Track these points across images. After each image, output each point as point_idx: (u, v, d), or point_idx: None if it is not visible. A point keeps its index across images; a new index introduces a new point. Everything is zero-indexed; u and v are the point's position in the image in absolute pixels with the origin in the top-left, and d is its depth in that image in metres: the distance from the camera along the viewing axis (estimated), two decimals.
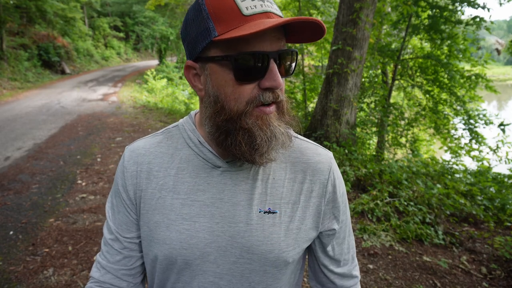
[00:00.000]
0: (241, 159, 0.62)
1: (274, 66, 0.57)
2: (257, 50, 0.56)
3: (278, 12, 0.58)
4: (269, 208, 0.66)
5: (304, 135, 0.76)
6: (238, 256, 0.66)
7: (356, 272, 0.82)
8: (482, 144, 5.88)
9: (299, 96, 8.00)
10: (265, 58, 0.56)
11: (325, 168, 0.71)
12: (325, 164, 0.71)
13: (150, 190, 0.69)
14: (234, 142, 0.60)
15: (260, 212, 0.66)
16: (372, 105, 7.10)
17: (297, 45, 7.58)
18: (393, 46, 7.16)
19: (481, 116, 6.27)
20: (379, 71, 8.00)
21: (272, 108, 0.59)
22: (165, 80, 16.26)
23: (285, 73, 0.61)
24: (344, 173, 4.48)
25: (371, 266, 2.68)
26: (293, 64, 0.62)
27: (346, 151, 4.94)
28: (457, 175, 4.73)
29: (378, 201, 3.55)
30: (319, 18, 8.95)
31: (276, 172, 0.69)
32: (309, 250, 0.80)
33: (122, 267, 0.75)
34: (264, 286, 0.69)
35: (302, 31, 0.59)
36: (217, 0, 0.56)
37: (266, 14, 0.55)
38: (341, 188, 0.75)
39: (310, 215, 0.69)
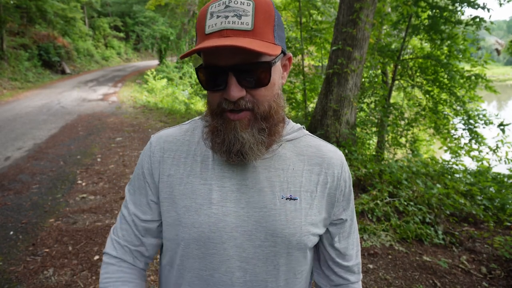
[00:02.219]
0: (226, 159, 0.69)
1: (231, 79, 0.61)
2: (212, 64, 0.63)
3: (238, 25, 0.59)
4: (290, 195, 0.71)
5: None
6: (263, 239, 0.70)
7: (359, 269, 0.85)
8: (482, 144, 5.88)
9: (299, 96, 8.01)
10: (220, 71, 0.62)
11: (338, 163, 0.77)
12: (338, 159, 0.78)
13: (179, 176, 0.74)
14: (214, 140, 0.68)
15: (282, 198, 0.71)
16: (372, 105, 7.10)
17: (297, 44, 7.59)
18: (393, 46, 7.16)
19: (481, 116, 6.26)
20: (379, 71, 8.00)
21: (241, 114, 0.64)
22: (165, 80, 16.26)
23: (254, 84, 0.63)
24: None
25: (371, 266, 2.69)
26: (262, 76, 0.63)
27: (346, 151, 4.94)
28: (457, 175, 4.73)
29: (378, 201, 3.55)
30: (319, 18, 8.96)
31: (295, 164, 0.74)
32: (317, 243, 0.83)
33: (134, 247, 0.79)
34: (288, 269, 0.73)
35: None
36: (198, 19, 0.65)
37: (220, 32, 0.60)
38: (350, 183, 0.81)
39: (325, 204, 0.75)
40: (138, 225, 0.78)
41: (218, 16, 0.60)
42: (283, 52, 0.68)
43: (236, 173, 0.71)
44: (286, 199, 0.71)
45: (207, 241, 0.69)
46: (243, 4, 0.60)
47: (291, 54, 0.74)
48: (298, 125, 0.81)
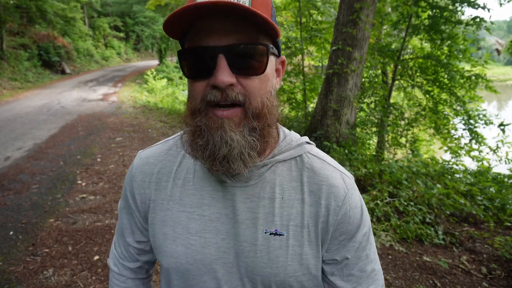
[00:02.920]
0: (209, 167, 0.58)
1: (221, 62, 0.52)
2: (200, 45, 0.53)
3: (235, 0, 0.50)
4: (276, 230, 0.62)
5: (304, 135, 0.70)
6: (244, 275, 0.64)
7: None
8: (482, 144, 5.88)
9: (299, 96, 8.00)
10: (210, 52, 0.52)
11: (340, 193, 0.63)
12: (341, 188, 0.64)
13: (160, 201, 0.68)
14: (195, 143, 0.57)
15: (266, 233, 0.62)
16: (372, 105, 7.10)
17: (297, 44, 7.59)
18: (393, 46, 7.16)
19: (481, 116, 6.26)
20: (379, 71, 8.00)
21: (231, 111, 0.54)
22: (165, 80, 16.27)
23: (247, 71, 0.54)
24: None
25: None
26: (259, 61, 0.54)
27: (346, 151, 4.94)
28: (457, 175, 4.73)
29: (378, 201, 3.55)
30: (319, 18, 8.95)
31: (285, 192, 0.64)
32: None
33: (133, 265, 0.81)
34: None
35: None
36: None
37: (214, 2, 0.47)
38: (359, 218, 0.65)
39: (317, 241, 0.64)
40: (131, 246, 0.77)
41: None
42: (277, 48, 0.61)
43: (216, 200, 0.64)
44: (270, 234, 0.62)
45: (185, 272, 0.65)
46: None
47: (284, 57, 0.66)
48: (299, 138, 0.69)
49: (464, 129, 6.34)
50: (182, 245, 0.65)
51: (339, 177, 0.65)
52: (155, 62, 25.21)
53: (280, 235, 0.62)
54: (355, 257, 0.66)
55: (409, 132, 6.40)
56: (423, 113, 6.86)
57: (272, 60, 0.59)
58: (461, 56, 6.48)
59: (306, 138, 0.70)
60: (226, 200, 0.63)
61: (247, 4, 0.52)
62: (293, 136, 0.69)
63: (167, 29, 0.54)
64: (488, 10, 5.80)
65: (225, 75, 0.52)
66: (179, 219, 0.66)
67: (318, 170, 0.65)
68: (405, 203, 3.54)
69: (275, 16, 0.60)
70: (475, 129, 6.13)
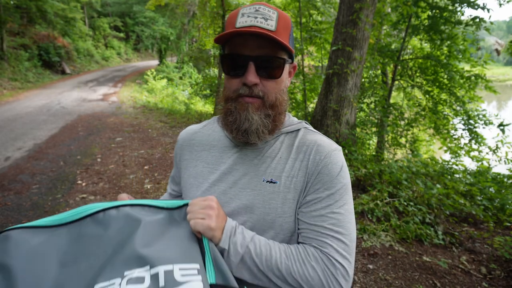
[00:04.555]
0: (234, 136, 0.81)
1: (251, 67, 0.75)
2: (237, 53, 0.76)
3: (264, 25, 0.73)
4: (271, 179, 0.80)
5: None
6: (245, 215, 0.80)
7: (322, 245, 0.73)
8: (482, 144, 5.87)
9: (299, 96, 8.01)
10: (243, 59, 0.75)
11: (325, 151, 0.81)
12: (327, 148, 0.81)
13: (191, 160, 0.92)
14: (226, 119, 0.81)
15: (263, 181, 0.80)
16: (372, 106, 7.11)
17: (297, 45, 7.59)
18: (393, 47, 7.16)
19: (480, 116, 6.26)
20: (379, 71, 8.01)
21: (254, 100, 0.77)
22: (165, 80, 16.29)
23: (267, 75, 0.77)
24: None
25: (371, 266, 2.69)
26: (277, 71, 0.77)
27: (346, 151, 4.94)
28: (457, 175, 4.73)
29: (378, 201, 3.56)
30: (319, 18, 8.96)
31: (284, 153, 0.83)
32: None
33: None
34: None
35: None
36: (229, 18, 0.78)
37: (249, 27, 0.73)
38: (337, 174, 0.77)
39: (301, 188, 0.79)
40: (170, 193, 1.03)
41: (248, 16, 0.74)
42: (292, 58, 0.82)
43: (230, 160, 0.84)
44: (267, 182, 0.79)
45: None
46: (270, 11, 0.76)
47: (296, 63, 0.87)
48: (299, 120, 0.90)
49: (463, 129, 6.34)
50: (202, 191, 0.85)
51: (327, 141, 0.84)
52: (155, 62, 25.21)
53: (274, 183, 0.79)
54: (322, 207, 0.76)
55: (409, 132, 6.40)
56: (423, 113, 6.86)
57: (286, 67, 0.81)
58: (460, 56, 6.48)
59: (305, 121, 0.91)
60: (239, 159, 0.84)
61: (273, 28, 0.74)
62: (295, 119, 0.92)
63: (217, 40, 0.76)
64: (488, 10, 5.80)
65: (252, 77, 0.75)
66: (202, 173, 0.87)
67: (310, 136, 0.85)
68: (405, 203, 3.54)
69: (292, 34, 0.83)
70: (474, 129, 6.13)
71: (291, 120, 0.89)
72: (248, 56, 0.75)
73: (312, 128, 0.89)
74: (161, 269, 0.55)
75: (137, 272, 0.55)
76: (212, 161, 0.87)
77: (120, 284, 0.54)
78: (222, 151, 0.87)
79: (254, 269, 0.69)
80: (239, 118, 0.77)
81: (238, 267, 0.69)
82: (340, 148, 0.83)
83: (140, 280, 0.54)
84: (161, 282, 0.53)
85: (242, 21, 0.74)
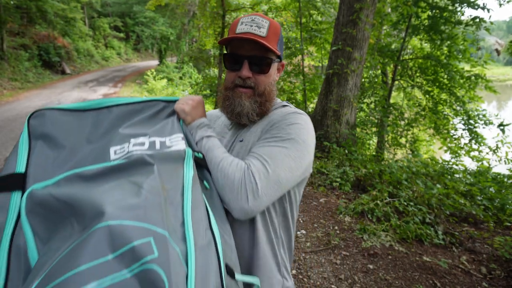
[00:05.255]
0: (229, 117, 1.03)
1: (245, 64, 0.97)
2: (235, 53, 0.98)
3: (257, 32, 0.94)
4: (242, 139, 1.01)
5: None
6: None
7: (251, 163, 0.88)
8: (482, 144, 5.88)
9: (299, 96, 8.01)
10: (240, 58, 0.98)
11: (285, 111, 0.99)
12: (288, 110, 1.00)
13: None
14: (224, 103, 1.03)
15: (240, 141, 1.01)
16: (372, 106, 7.11)
17: (297, 45, 7.59)
18: (393, 47, 7.17)
19: (480, 116, 6.27)
20: (379, 71, 8.01)
21: (247, 90, 0.99)
22: (165, 80, 16.28)
23: (258, 71, 0.99)
24: (344, 173, 4.48)
25: (371, 266, 2.69)
26: (266, 68, 0.99)
27: (346, 151, 4.94)
28: (457, 175, 4.73)
29: (378, 201, 3.56)
30: (319, 18, 8.96)
31: (259, 127, 1.01)
32: None
33: None
34: None
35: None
36: (232, 25, 1.00)
37: (246, 34, 0.94)
38: (287, 122, 0.94)
39: (258, 137, 0.97)
40: None
41: (246, 24, 0.96)
42: (279, 58, 1.03)
43: (230, 134, 1.07)
44: (240, 141, 1.01)
45: None
46: (263, 21, 0.97)
47: (284, 62, 1.10)
48: (282, 101, 1.09)
49: (464, 129, 6.34)
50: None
51: (294, 109, 1.01)
52: (155, 62, 25.20)
53: (241, 141, 1.01)
54: (264, 142, 0.92)
55: (409, 132, 6.40)
56: (423, 113, 6.87)
57: (274, 65, 1.03)
58: (460, 56, 6.49)
59: (287, 101, 1.10)
60: (235, 134, 1.06)
61: (264, 34, 0.95)
62: (279, 99, 1.11)
63: (221, 42, 0.99)
64: (488, 10, 5.81)
65: (246, 72, 0.97)
66: (215, 140, 1.05)
67: (283, 108, 1.04)
68: (405, 203, 3.54)
69: (282, 39, 1.04)
70: (475, 129, 6.14)
71: (277, 103, 1.08)
72: (243, 55, 0.97)
73: (292, 106, 1.06)
74: (157, 140, 0.78)
75: (141, 139, 0.77)
76: (220, 132, 1.11)
77: (128, 146, 0.74)
78: (226, 128, 1.12)
79: (202, 151, 0.93)
80: (234, 103, 0.99)
81: (197, 145, 0.95)
82: (305, 113, 0.99)
83: (142, 144, 0.76)
84: (157, 146, 0.76)
85: (240, 28, 0.96)
